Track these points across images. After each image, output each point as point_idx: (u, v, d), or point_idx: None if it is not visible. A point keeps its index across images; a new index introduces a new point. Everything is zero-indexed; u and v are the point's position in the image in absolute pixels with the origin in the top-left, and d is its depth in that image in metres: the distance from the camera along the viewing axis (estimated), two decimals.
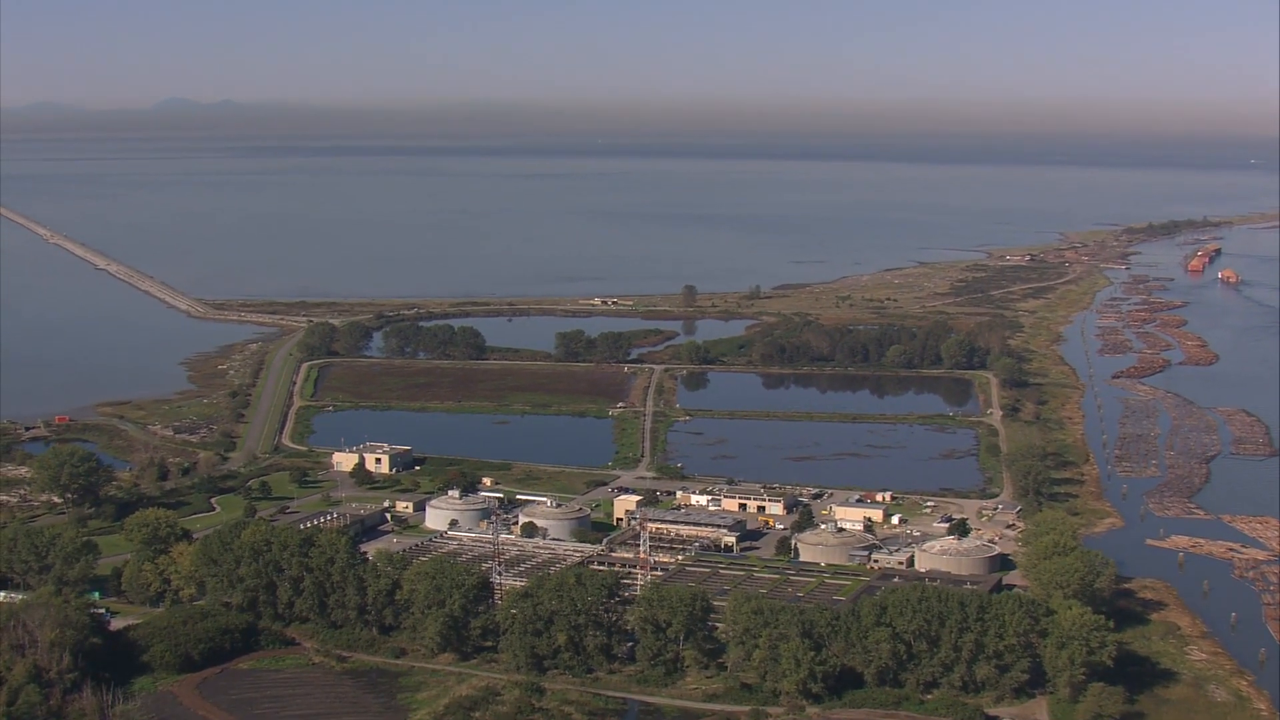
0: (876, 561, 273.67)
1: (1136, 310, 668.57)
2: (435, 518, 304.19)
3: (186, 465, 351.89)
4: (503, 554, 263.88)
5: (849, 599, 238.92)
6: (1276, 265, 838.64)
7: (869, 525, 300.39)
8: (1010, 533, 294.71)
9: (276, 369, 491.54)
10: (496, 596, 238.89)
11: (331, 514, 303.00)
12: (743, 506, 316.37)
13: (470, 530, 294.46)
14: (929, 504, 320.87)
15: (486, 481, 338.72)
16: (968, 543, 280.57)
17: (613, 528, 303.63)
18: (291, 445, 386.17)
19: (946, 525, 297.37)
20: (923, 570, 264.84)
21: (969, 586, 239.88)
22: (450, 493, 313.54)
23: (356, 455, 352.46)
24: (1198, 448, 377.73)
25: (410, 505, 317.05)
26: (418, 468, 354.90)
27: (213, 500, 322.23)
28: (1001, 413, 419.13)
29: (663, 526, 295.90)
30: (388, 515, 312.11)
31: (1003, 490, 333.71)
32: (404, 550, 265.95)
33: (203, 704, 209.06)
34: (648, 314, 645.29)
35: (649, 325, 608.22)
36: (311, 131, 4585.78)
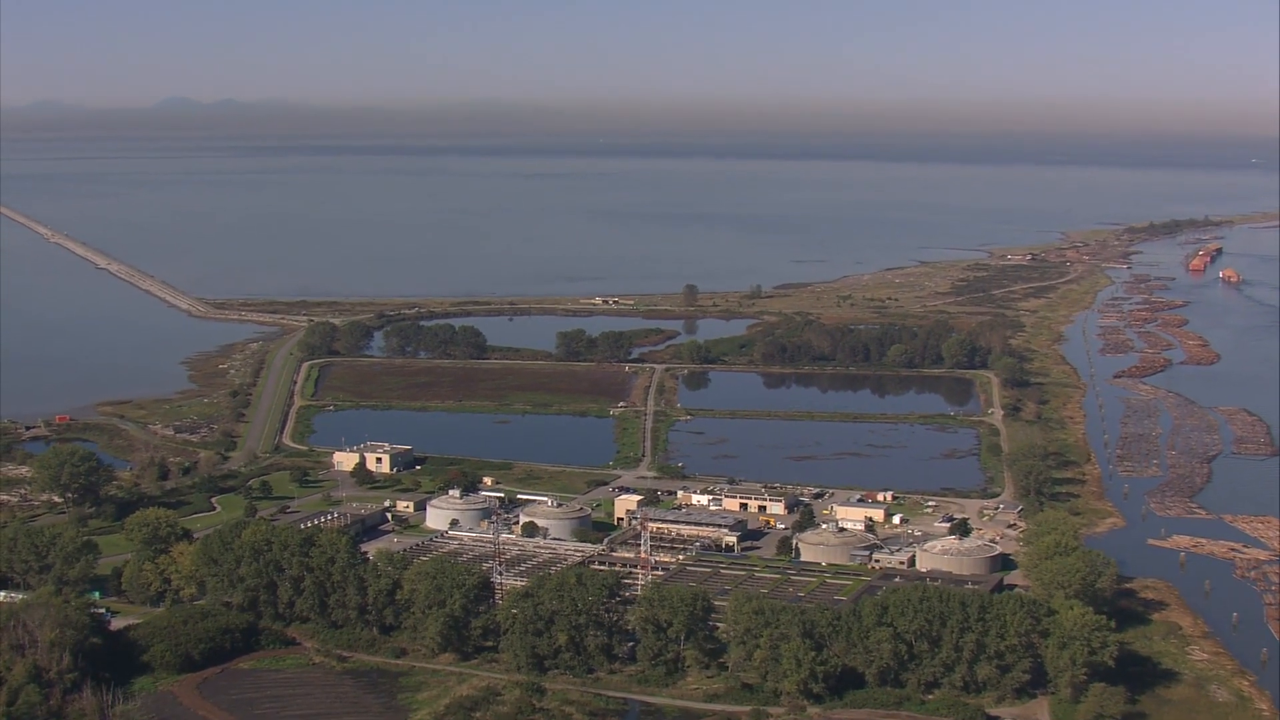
0: (878, 561, 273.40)
1: (1138, 310, 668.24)
2: (436, 517, 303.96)
3: (187, 465, 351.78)
4: (503, 554, 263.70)
5: (850, 599, 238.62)
6: (1277, 265, 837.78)
7: (870, 525, 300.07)
8: (1011, 532, 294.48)
9: (277, 368, 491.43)
10: (497, 596, 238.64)
11: (332, 514, 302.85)
12: (744, 506, 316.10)
13: (471, 530, 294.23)
14: (930, 504, 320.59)
15: (487, 481, 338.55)
16: (969, 542, 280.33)
17: (614, 527, 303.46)
18: (292, 445, 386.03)
19: (948, 525, 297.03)
20: (924, 570, 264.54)
21: (970, 586, 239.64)
22: (451, 492, 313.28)
23: (357, 455, 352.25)
24: (1199, 447, 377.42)
25: (411, 505, 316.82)
26: (418, 467, 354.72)
27: (213, 500, 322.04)
28: (1003, 412, 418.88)
29: (664, 526, 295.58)
30: (388, 515, 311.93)
31: (1004, 490, 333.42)
32: (405, 550, 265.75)
33: (203, 704, 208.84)
34: (649, 313, 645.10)
35: (650, 325, 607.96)
36: (312, 131, 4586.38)
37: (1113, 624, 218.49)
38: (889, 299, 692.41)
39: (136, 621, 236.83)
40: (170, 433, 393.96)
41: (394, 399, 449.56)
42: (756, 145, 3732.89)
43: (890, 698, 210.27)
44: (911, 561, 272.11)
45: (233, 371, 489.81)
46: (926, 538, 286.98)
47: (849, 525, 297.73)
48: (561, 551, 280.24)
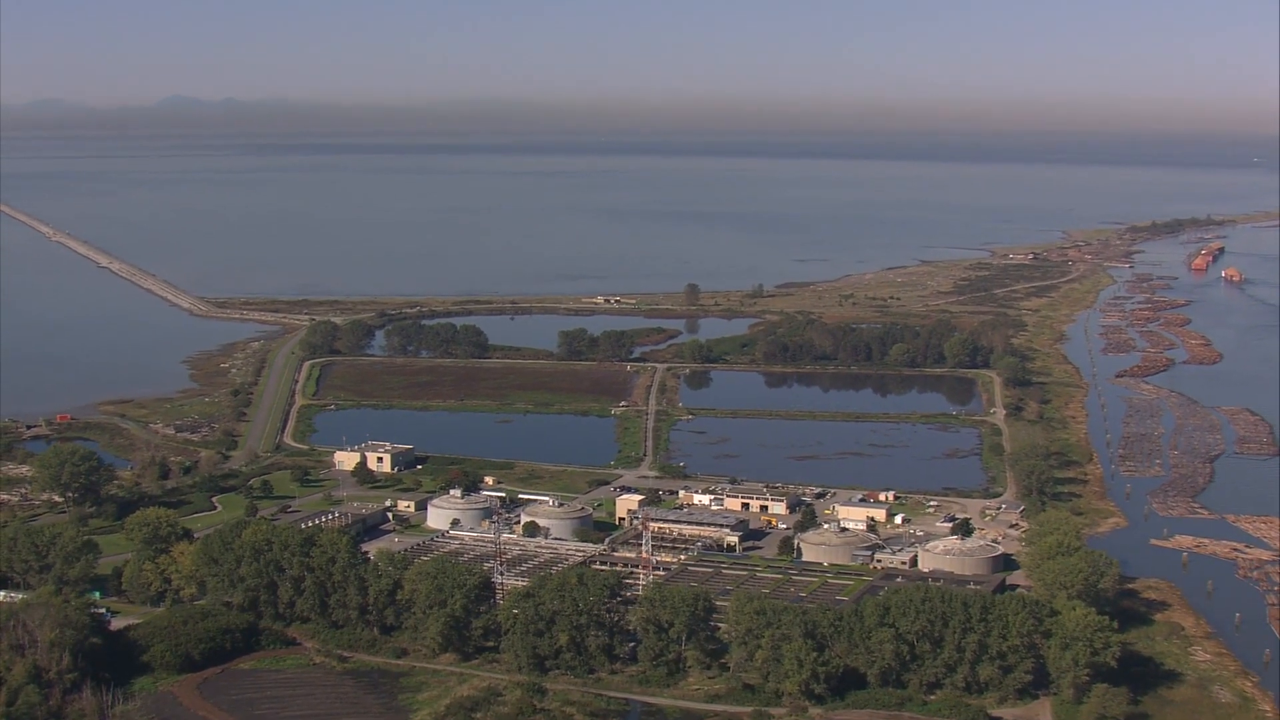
0: (879, 561, 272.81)
1: (1140, 309, 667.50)
2: (437, 517, 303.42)
3: (188, 464, 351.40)
4: (505, 554, 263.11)
5: (852, 599, 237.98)
6: (1279, 264, 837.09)
7: (872, 525, 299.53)
8: (1014, 532, 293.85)
9: (278, 367, 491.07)
10: (498, 596, 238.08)
11: (333, 513, 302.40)
12: (745, 506, 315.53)
13: (472, 530, 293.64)
14: (932, 503, 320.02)
15: (488, 481, 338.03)
16: (971, 542, 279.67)
17: (615, 527, 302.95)
18: (293, 444, 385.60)
19: (950, 525, 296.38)
20: (926, 570, 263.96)
21: (972, 587, 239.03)
22: (452, 492, 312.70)
23: (358, 454, 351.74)
24: (1201, 447, 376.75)
25: (412, 504, 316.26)
26: (419, 467, 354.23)
27: (214, 499, 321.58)
28: (1005, 412, 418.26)
29: (665, 526, 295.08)
30: (389, 514, 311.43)
31: (1006, 490, 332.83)
32: (405, 550, 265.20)
33: (203, 704, 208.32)
34: (650, 312, 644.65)
35: (651, 324, 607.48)
36: (314, 129, 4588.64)
37: (1115, 624, 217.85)
38: (891, 298, 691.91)
39: (136, 621, 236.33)
40: (171, 432, 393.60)
41: (395, 398, 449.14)
42: (758, 144, 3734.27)
43: (892, 698, 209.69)
44: (913, 561, 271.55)
45: (234, 371, 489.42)
46: (928, 538, 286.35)
47: (851, 525, 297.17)
48: (563, 551, 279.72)
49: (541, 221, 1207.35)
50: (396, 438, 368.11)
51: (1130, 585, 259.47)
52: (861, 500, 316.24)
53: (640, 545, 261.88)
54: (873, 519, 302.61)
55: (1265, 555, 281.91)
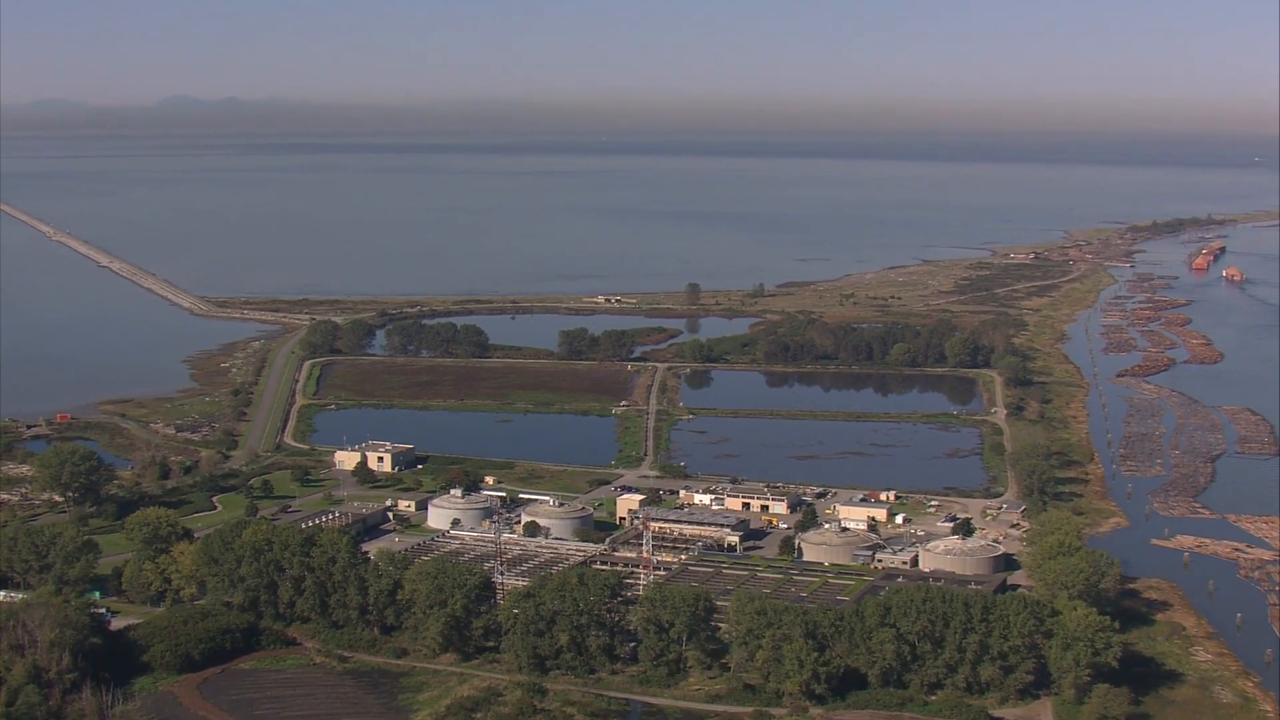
0: (880, 561, 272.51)
1: (1141, 308, 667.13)
2: (437, 517, 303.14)
3: (188, 464, 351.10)
4: (505, 553, 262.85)
5: (853, 599, 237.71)
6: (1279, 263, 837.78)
7: (873, 525, 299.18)
8: (1015, 532, 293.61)
9: (279, 367, 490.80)
10: (499, 596, 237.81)
11: (333, 513, 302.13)
12: (746, 506, 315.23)
13: (472, 529, 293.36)
14: (933, 503, 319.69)
15: (489, 480, 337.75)
16: (972, 542, 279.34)
17: (615, 527, 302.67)
18: (294, 444, 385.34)
19: (951, 525, 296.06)
20: (927, 570, 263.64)
21: (973, 587, 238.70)
22: (452, 492, 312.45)
23: (359, 454, 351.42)
24: (1203, 447, 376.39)
25: (412, 504, 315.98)
26: (420, 466, 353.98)
27: (214, 499, 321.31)
28: (1006, 411, 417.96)
29: (666, 526, 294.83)
30: (390, 514, 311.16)
31: (1007, 489, 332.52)
32: (406, 550, 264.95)
33: (203, 704, 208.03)
34: (651, 312, 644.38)
35: (652, 323, 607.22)
36: (314, 129, 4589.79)
37: (1116, 624, 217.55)
38: (892, 298, 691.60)
39: (136, 621, 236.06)
40: (171, 431, 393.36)
41: (396, 398, 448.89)
42: (758, 144, 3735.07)
43: (893, 699, 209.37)
44: (914, 561, 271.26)
45: (234, 370, 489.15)
46: (929, 537, 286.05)
47: (852, 525, 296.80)
48: (563, 551, 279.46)
49: (542, 221, 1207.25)
50: (397, 437, 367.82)
51: (1131, 585, 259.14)
52: (862, 500, 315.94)
53: (641, 545, 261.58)
54: (874, 519, 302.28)
55: (1266, 555, 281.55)
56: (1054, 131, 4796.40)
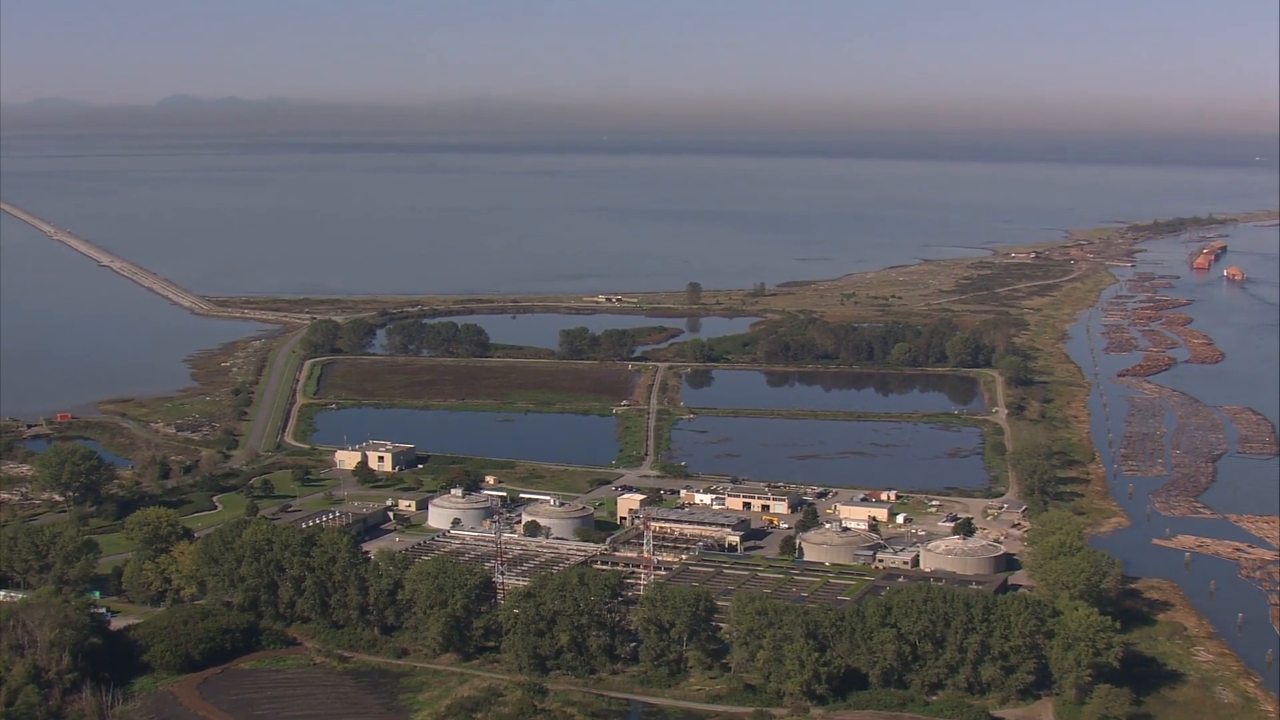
0: (881, 561, 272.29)
1: (1142, 308, 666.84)
2: (438, 516, 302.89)
3: (188, 463, 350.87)
4: (505, 553, 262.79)
5: (853, 599, 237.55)
6: None
7: (874, 524, 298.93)
8: (1016, 532, 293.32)
9: (279, 366, 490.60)
10: (499, 596, 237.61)
11: (334, 512, 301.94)
12: (747, 505, 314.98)
13: (473, 529, 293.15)
14: (934, 503, 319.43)
15: (489, 480, 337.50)
16: (973, 542, 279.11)
17: (616, 527, 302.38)
18: (294, 443, 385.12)
19: (951, 524, 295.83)
20: (928, 570, 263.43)
21: (974, 586, 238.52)
22: (453, 491, 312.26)
23: (359, 453, 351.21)
24: (1204, 446, 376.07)
25: (413, 504, 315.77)
26: (420, 466, 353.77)
27: (215, 499, 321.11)
28: (1007, 411, 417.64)
29: (666, 525, 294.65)
30: (390, 514, 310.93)
31: (1008, 489, 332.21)
32: (406, 549, 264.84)
33: (203, 704, 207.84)
34: (652, 311, 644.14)
35: (653, 322, 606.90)
36: (314, 128, 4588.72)
37: (1117, 625, 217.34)
38: (893, 297, 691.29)
39: (136, 621, 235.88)
40: (172, 431, 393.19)
41: (396, 397, 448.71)
42: (759, 143, 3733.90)
43: (894, 699, 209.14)
44: (915, 561, 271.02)
45: (235, 369, 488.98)
46: (930, 537, 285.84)
47: (852, 525, 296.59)
48: (564, 551, 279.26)
49: (542, 220, 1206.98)
50: (397, 437, 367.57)
51: (1133, 585, 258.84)
52: (863, 500, 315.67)
53: (641, 545, 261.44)
54: (874, 518, 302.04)
55: (1268, 555, 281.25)
56: (1054, 131, 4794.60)
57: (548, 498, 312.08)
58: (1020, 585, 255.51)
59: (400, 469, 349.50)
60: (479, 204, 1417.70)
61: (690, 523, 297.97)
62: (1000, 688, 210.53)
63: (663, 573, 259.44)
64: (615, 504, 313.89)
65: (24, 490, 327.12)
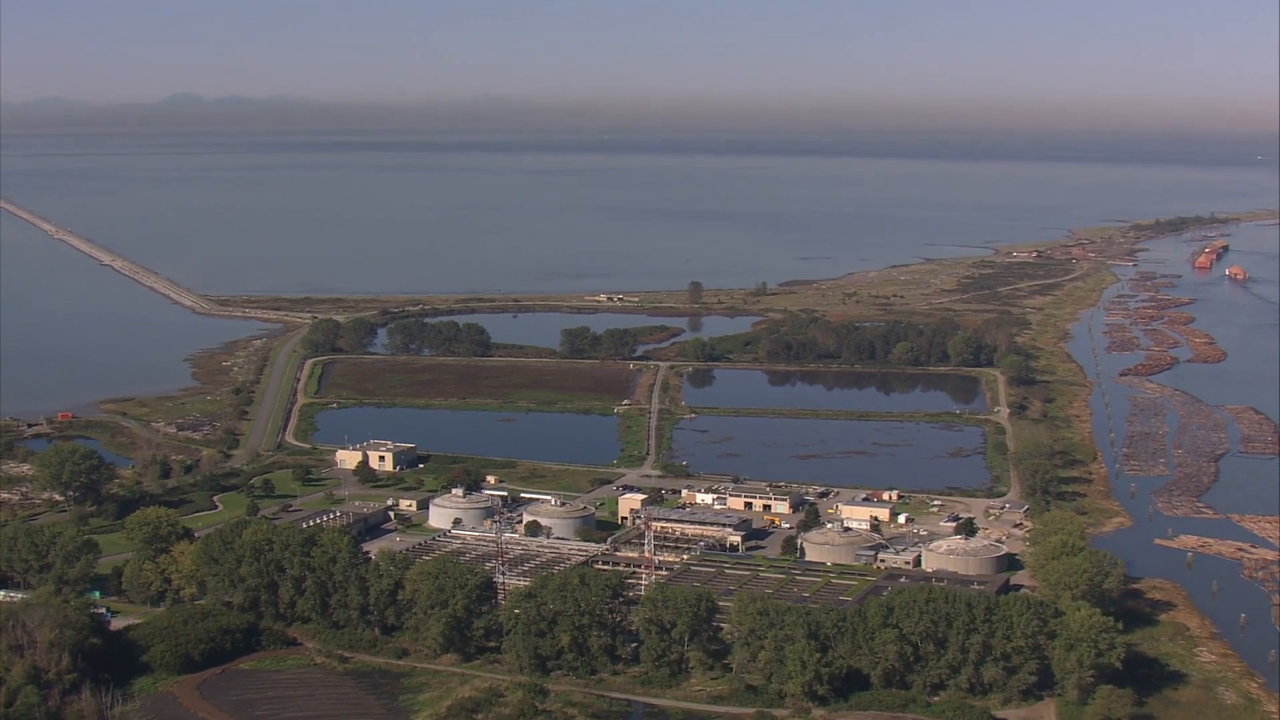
0: (883, 561, 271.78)
1: (1144, 307, 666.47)
2: (439, 516, 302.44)
3: (189, 463, 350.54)
4: (506, 553, 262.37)
5: (855, 599, 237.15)
6: None
7: (875, 524, 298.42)
8: (1018, 532, 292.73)
9: (280, 366, 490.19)
10: (500, 596, 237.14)
11: (334, 512, 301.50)
12: (748, 505, 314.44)
13: (474, 529, 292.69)
14: (936, 503, 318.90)
15: (490, 480, 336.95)
16: (975, 542, 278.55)
17: (617, 527, 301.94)
18: (295, 443, 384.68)
19: (953, 524, 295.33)
20: (930, 570, 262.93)
21: (976, 587, 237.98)
22: (454, 491, 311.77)
23: (360, 453, 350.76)
24: (1206, 446, 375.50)
25: (414, 504, 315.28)
26: (421, 466, 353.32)
27: (215, 498, 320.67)
28: (1009, 410, 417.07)
29: (668, 525, 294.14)
30: (391, 514, 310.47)
31: (1010, 489, 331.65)
32: (407, 549, 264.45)
33: (203, 705, 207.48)
34: (653, 310, 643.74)
35: (654, 322, 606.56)
36: (317, 127, 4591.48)
37: (1120, 625, 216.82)
38: (894, 296, 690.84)
39: (136, 621, 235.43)
40: (173, 430, 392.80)
41: (397, 397, 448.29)
42: (761, 142, 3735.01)
43: (896, 699, 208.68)
44: (917, 561, 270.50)
45: (236, 369, 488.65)
46: (932, 537, 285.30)
47: (854, 525, 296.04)
48: (565, 551, 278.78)
49: (543, 219, 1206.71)
50: (398, 436, 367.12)
51: (1135, 585, 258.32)
52: (865, 499, 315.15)
53: (643, 545, 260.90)
54: (876, 518, 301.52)
55: (1270, 555, 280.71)
56: (1056, 130, 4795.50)
57: (549, 497, 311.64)
58: (1022, 585, 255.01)
59: (401, 469, 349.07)
60: (480, 202, 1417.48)
61: (691, 523, 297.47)
62: (1002, 688, 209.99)
63: (664, 573, 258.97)
64: (616, 504, 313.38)
65: (24, 490, 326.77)
